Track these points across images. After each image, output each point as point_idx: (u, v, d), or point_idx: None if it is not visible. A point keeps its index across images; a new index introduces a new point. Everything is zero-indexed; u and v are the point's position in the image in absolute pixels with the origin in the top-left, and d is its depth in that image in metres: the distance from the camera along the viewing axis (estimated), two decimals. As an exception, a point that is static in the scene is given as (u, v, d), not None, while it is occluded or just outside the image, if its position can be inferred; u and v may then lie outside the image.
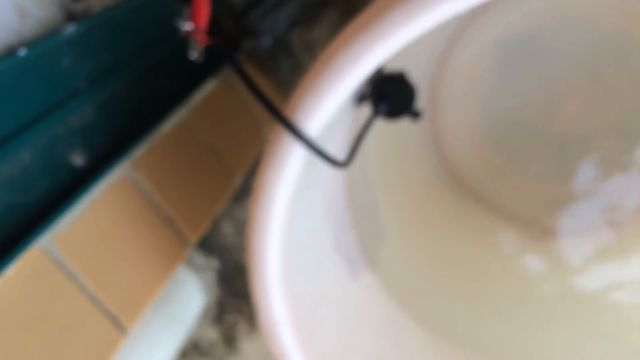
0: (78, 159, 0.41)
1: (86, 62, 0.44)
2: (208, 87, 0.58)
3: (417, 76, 0.47)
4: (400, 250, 0.56)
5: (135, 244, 0.44)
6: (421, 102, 0.49)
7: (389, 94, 0.45)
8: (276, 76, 0.73)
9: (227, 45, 0.67)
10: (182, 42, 0.35)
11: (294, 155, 0.33)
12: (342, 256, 0.49)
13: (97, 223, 0.41)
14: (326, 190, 0.45)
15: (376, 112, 0.45)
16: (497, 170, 0.64)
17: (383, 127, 0.47)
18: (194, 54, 0.34)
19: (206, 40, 0.34)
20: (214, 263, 0.67)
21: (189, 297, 0.58)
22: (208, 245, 0.63)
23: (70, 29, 0.43)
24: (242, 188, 0.64)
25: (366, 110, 0.46)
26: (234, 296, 0.72)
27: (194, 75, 0.56)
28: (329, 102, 0.31)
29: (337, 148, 0.43)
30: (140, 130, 0.48)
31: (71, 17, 0.46)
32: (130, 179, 0.45)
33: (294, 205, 0.37)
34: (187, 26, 0.33)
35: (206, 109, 0.56)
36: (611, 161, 0.61)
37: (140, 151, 0.47)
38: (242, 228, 0.72)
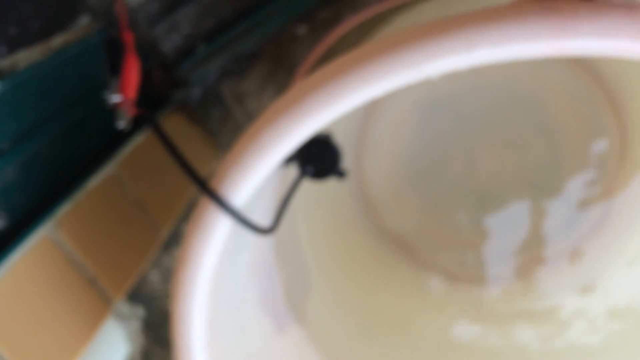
0: (-2, 222, 0.40)
1: (10, 122, 0.43)
2: (136, 140, 0.58)
3: (342, 136, 0.49)
4: (327, 304, 0.57)
5: (56, 307, 0.43)
6: (347, 157, 0.51)
7: (315, 156, 0.46)
8: (206, 126, 0.74)
9: (157, 98, 0.67)
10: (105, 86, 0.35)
11: (220, 226, 0.34)
12: (269, 313, 0.49)
13: (16, 288, 0.40)
14: (253, 250, 0.46)
15: (303, 174, 0.46)
16: (420, 223, 0.66)
17: (309, 183, 0.48)
18: (122, 124, 0.34)
19: (135, 111, 0.34)
20: (139, 312, 0.65)
21: (112, 347, 0.56)
22: (134, 293, 0.62)
23: (-6, 87, 0.43)
24: (170, 236, 0.63)
25: (293, 170, 0.47)
26: (160, 345, 0.71)
27: (122, 130, 0.56)
28: (254, 175, 0.32)
29: (264, 209, 0.44)
30: (65, 188, 0.47)
31: (-5, 73, 0.45)
32: (52, 239, 0.44)
33: (220, 270, 0.37)
34: (115, 98, 0.33)
35: (133, 163, 0.56)
36: (523, 213, 0.64)
37: (63, 209, 0.46)
38: (168, 276, 0.72)
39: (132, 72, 0.35)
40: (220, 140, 0.76)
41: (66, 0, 0.56)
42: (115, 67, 0.34)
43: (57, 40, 0.53)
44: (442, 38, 0.28)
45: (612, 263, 0.59)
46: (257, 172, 0.32)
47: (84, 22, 0.57)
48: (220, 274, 0.38)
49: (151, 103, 0.66)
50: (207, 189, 0.33)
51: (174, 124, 0.68)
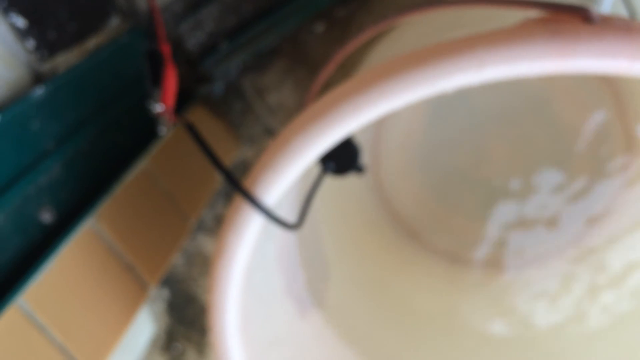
0: (47, 216, 0.44)
1: (54, 123, 0.47)
2: (165, 137, 0.61)
3: (360, 133, 0.52)
4: (345, 289, 0.60)
5: (99, 293, 0.47)
6: (364, 153, 0.54)
7: (337, 154, 0.50)
8: (228, 118, 0.77)
9: (183, 92, 0.70)
10: (142, 95, 0.38)
11: (253, 223, 0.37)
12: (293, 299, 0.53)
13: (64, 277, 0.44)
14: (278, 240, 0.49)
15: (325, 170, 0.50)
16: (432, 211, 0.69)
17: (329, 178, 0.51)
18: (164, 130, 0.38)
19: (174, 118, 0.38)
20: (164, 293, 0.69)
21: (139, 327, 0.60)
22: (159, 277, 0.66)
23: (39, 91, 0.46)
24: (195, 223, 0.67)
25: (315, 166, 0.50)
26: (183, 325, 0.74)
27: (153, 126, 0.59)
28: (285, 178, 0.36)
29: (289, 204, 0.47)
30: (104, 183, 0.51)
31: (38, 77, 0.49)
32: (94, 231, 0.48)
33: (251, 263, 0.41)
34: (158, 108, 0.37)
35: (163, 157, 0.60)
36: (531, 203, 0.67)
37: (103, 203, 0.50)
38: (191, 260, 0.75)
39: (171, 82, 0.38)
40: (242, 132, 0.79)
41: (97, 3, 0.59)
42: (156, 78, 0.38)
43: (92, 42, 0.56)
44: (456, 57, 0.31)
45: (620, 249, 0.62)
46: (288, 175, 0.36)
47: (114, 23, 0.60)
48: (252, 265, 0.41)
49: (178, 97, 0.70)
50: (242, 189, 0.36)
51: (198, 117, 0.71)
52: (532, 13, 0.34)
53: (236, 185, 0.36)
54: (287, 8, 0.68)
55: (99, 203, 0.49)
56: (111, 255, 0.49)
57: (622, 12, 0.63)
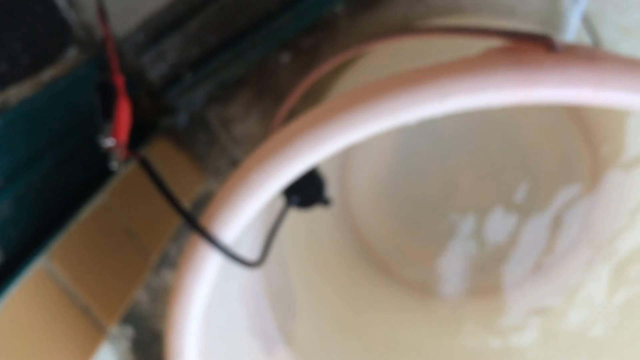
0: (-7, 257, 0.42)
1: (4, 158, 0.44)
2: (125, 170, 0.59)
3: (325, 163, 0.51)
4: (314, 324, 0.59)
5: (51, 337, 0.44)
6: (330, 183, 0.52)
7: (301, 186, 0.48)
8: (193, 150, 0.76)
9: (144, 125, 0.69)
10: (97, 128, 0.37)
11: (211, 262, 0.35)
12: (258, 337, 0.51)
13: (13, 320, 0.41)
14: (242, 278, 0.47)
15: (289, 204, 0.48)
16: (402, 243, 0.68)
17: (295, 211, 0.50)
18: (115, 165, 0.36)
19: (127, 153, 0.36)
20: (128, 331, 0.66)
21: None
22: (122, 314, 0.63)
23: (-12, 125, 0.44)
24: (158, 258, 0.65)
25: (279, 199, 0.49)
26: (149, 363, 0.72)
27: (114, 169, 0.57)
28: (243, 214, 0.34)
29: (252, 240, 0.46)
30: (58, 220, 0.49)
31: (-13, 110, 0.47)
32: (46, 271, 0.45)
33: (211, 302, 0.39)
34: (108, 142, 0.35)
35: (122, 191, 0.58)
36: (500, 231, 0.67)
37: (56, 241, 0.47)
38: (156, 296, 0.73)
39: (124, 116, 0.36)
40: (207, 164, 0.77)
41: (55, 34, 0.58)
42: (107, 112, 0.36)
43: (47, 74, 0.54)
44: (418, 88, 0.30)
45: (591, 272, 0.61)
46: (247, 211, 0.34)
47: (71, 54, 0.59)
48: (211, 305, 0.39)
49: (139, 130, 0.68)
50: (198, 227, 0.35)
51: (161, 150, 0.69)
52: (495, 42, 0.33)
53: (192, 223, 0.34)
54: (252, 38, 0.67)
55: (52, 241, 0.46)
56: (65, 297, 0.47)
57: (586, 40, 0.64)
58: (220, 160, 0.77)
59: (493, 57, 0.30)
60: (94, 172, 0.56)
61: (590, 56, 0.30)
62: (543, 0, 0.64)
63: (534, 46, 0.31)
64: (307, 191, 0.48)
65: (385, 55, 0.55)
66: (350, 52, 0.41)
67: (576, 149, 0.61)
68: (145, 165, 0.35)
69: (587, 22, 0.64)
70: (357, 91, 0.31)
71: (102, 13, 0.40)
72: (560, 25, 0.64)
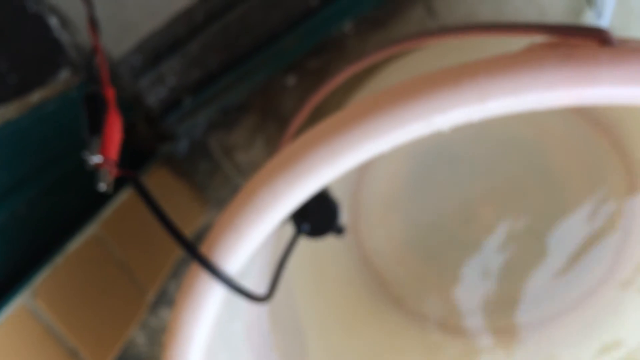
0: (-31, 293, 0.37)
1: (-17, 184, 0.40)
2: (119, 198, 0.55)
3: (337, 188, 0.47)
4: (325, 367, 0.53)
5: (32, 385, 0.39)
6: (343, 214, 0.48)
7: (312, 212, 0.44)
8: (194, 179, 0.71)
9: (142, 152, 0.64)
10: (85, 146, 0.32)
11: (212, 295, 0.31)
12: (265, 381, 0.46)
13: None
14: (246, 316, 0.42)
15: (299, 232, 0.44)
16: (418, 275, 0.63)
17: (304, 240, 0.45)
18: (104, 186, 0.31)
19: (117, 172, 0.31)
20: (124, 376, 0.62)
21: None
22: (119, 356, 0.59)
23: (-34, 147, 0.40)
24: (156, 295, 0.60)
25: (288, 227, 0.44)
26: (147, 410, 0.67)
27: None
28: (249, 241, 0.30)
29: (258, 271, 0.41)
30: (43, 253, 0.44)
31: (-32, 132, 0.43)
32: (29, 309, 0.41)
33: (212, 341, 0.34)
34: (96, 159, 0.30)
35: (117, 222, 0.53)
36: (525, 263, 0.62)
37: (41, 276, 0.43)
38: (154, 337, 0.68)
39: (114, 131, 0.32)
40: (209, 195, 0.73)
41: (47, 55, 0.54)
42: (95, 126, 0.32)
43: (36, 96, 0.51)
44: (454, 88, 0.26)
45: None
46: (253, 238, 0.30)
47: (64, 76, 0.55)
48: (213, 345, 0.35)
49: (136, 158, 0.64)
50: (198, 255, 0.30)
51: (160, 179, 0.65)
52: (537, 39, 0.29)
53: (191, 251, 0.30)
54: (255, 60, 0.63)
55: (36, 276, 0.42)
56: (50, 338, 0.42)
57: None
58: (223, 190, 0.73)
59: (539, 52, 0.26)
60: (85, 201, 0.51)
61: (651, 50, 0.26)
62: (564, 16, 0.60)
63: (585, 40, 0.27)
64: (318, 218, 0.44)
65: (406, 68, 0.51)
66: (366, 61, 0.37)
67: (608, 166, 0.57)
68: (139, 186, 0.31)
69: (612, 38, 0.61)
70: (384, 93, 0.27)
71: (92, 20, 0.36)
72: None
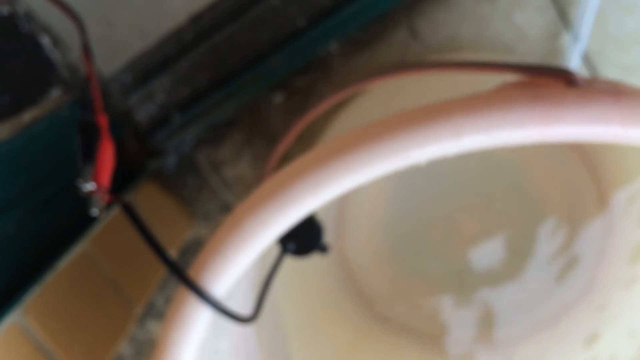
0: (-39, 313, 0.38)
1: (-25, 204, 0.41)
2: (108, 215, 0.56)
3: (323, 208, 0.48)
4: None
5: (22, 401, 0.40)
6: (328, 233, 0.49)
7: (297, 232, 0.45)
8: (182, 194, 0.72)
9: (131, 167, 0.65)
10: (77, 171, 0.34)
11: (200, 318, 0.32)
12: (250, 397, 0.47)
13: (-21, 384, 0.37)
14: (233, 334, 0.44)
15: (284, 251, 0.45)
16: (401, 291, 0.65)
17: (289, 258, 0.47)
18: (96, 212, 0.33)
19: (109, 198, 0.33)
20: (111, 387, 0.62)
21: None
22: (105, 369, 0.59)
23: (-40, 169, 0.41)
24: (143, 307, 0.61)
25: (273, 247, 0.46)
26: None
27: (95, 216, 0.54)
28: (236, 266, 0.31)
29: (244, 292, 0.42)
30: (34, 271, 0.45)
31: (-39, 153, 0.44)
32: (19, 327, 0.42)
33: (200, 361, 0.35)
34: (89, 187, 0.32)
35: (105, 239, 0.54)
36: (505, 277, 0.64)
37: (31, 293, 0.44)
38: (141, 349, 0.69)
39: (107, 158, 0.33)
40: (196, 208, 0.74)
41: (38, 74, 0.55)
42: (88, 153, 0.33)
43: (27, 115, 0.52)
44: (431, 125, 0.27)
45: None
46: (240, 262, 0.31)
47: (55, 95, 0.56)
48: (200, 365, 0.36)
49: (125, 173, 0.65)
50: (186, 279, 0.31)
51: (148, 193, 0.66)
52: (509, 78, 0.31)
53: (179, 274, 0.31)
54: (243, 78, 0.65)
55: (27, 294, 0.43)
56: (40, 355, 0.43)
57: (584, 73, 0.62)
58: (210, 204, 0.74)
59: (510, 92, 0.28)
60: (74, 219, 0.52)
61: (614, 91, 0.27)
62: (542, 39, 0.62)
63: (553, 80, 0.29)
64: (303, 237, 0.45)
65: (383, 95, 0.53)
66: (349, 90, 0.39)
67: (582, 187, 0.59)
68: (129, 211, 0.32)
69: (588, 61, 0.63)
70: (362, 129, 0.28)
71: (86, 49, 0.38)
72: (560, 64, 0.62)
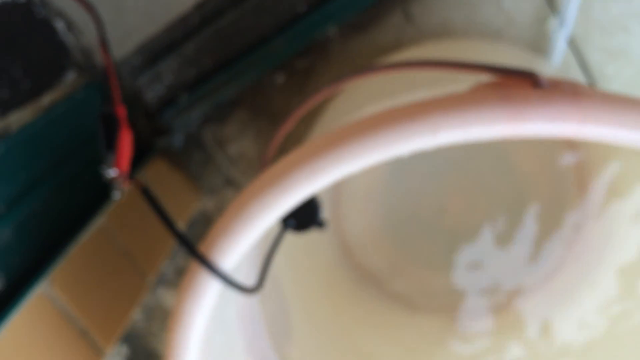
0: (-4, 283, 0.42)
1: (6, 185, 0.45)
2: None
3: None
4: (310, 343, 0.59)
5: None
6: (325, 210, 0.54)
7: (296, 210, 0.49)
8: (189, 170, 0.77)
9: (141, 145, 0.69)
10: (98, 151, 0.37)
11: (210, 289, 0.36)
12: (255, 357, 0.52)
13: (14, 345, 0.42)
14: (239, 301, 0.48)
15: (285, 228, 0.49)
16: (395, 262, 0.69)
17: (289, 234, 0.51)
18: (118, 194, 0.37)
19: (129, 183, 0.37)
20: (123, 350, 0.67)
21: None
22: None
23: (-10, 153, 0.45)
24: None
25: (274, 225, 0.50)
26: (145, 380, 0.72)
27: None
28: (242, 242, 0.35)
29: (249, 265, 0.47)
30: (58, 244, 0.50)
31: (-11, 137, 0.47)
32: (46, 296, 0.46)
33: (209, 327, 0.40)
34: (112, 172, 0.36)
35: (120, 214, 0.58)
36: (490, 251, 0.68)
37: (56, 265, 0.48)
38: (151, 314, 0.73)
39: (126, 146, 0.37)
40: (203, 183, 0.78)
41: (53, 58, 0.59)
42: (110, 142, 0.37)
43: (46, 99, 0.55)
44: (411, 123, 0.31)
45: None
46: (246, 240, 0.35)
47: (70, 78, 0.60)
48: (210, 329, 0.40)
49: (136, 151, 0.69)
50: (198, 255, 0.36)
51: (157, 170, 0.70)
52: (484, 77, 0.34)
53: (192, 251, 0.36)
54: (246, 60, 0.68)
55: (52, 266, 0.47)
56: (64, 321, 0.47)
57: (572, 63, 0.65)
58: (216, 179, 0.78)
59: (482, 93, 0.31)
60: (92, 196, 0.56)
61: (573, 92, 0.31)
62: (530, 24, 0.65)
63: (521, 82, 0.32)
64: (302, 214, 0.49)
65: (374, 85, 0.57)
66: (338, 85, 0.43)
67: (565, 169, 0.63)
68: (147, 195, 0.36)
69: (574, 45, 0.66)
70: (351, 126, 0.32)
71: (104, 44, 0.41)
72: (547, 48, 0.65)
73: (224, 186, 0.79)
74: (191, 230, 0.75)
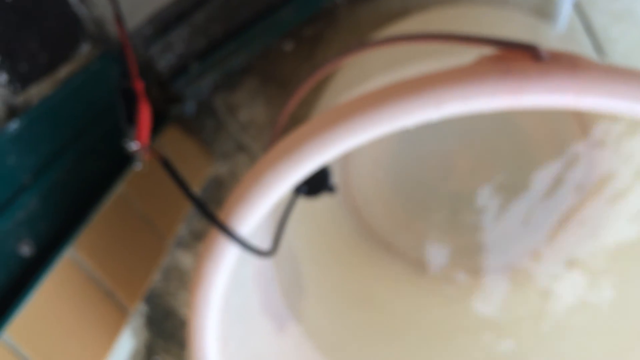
0: (26, 250, 0.45)
1: (30, 156, 0.48)
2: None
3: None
4: (322, 302, 0.62)
5: (80, 321, 0.48)
6: (335, 176, 0.56)
7: (308, 176, 0.51)
8: (201, 136, 0.79)
9: (154, 113, 0.71)
10: (116, 120, 0.39)
11: (229, 253, 0.39)
12: (270, 315, 0.55)
13: (45, 309, 0.45)
14: (255, 262, 0.51)
15: (297, 193, 0.52)
16: (403, 223, 0.72)
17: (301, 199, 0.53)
18: (140, 165, 0.39)
19: (150, 154, 0.39)
20: (142, 308, 0.70)
21: (119, 343, 0.61)
22: (138, 293, 0.67)
23: (14, 125, 0.47)
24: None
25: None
26: (162, 338, 0.75)
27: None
28: (259, 209, 0.37)
29: (264, 230, 0.49)
30: (82, 211, 0.52)
31: (12, 110, 0.50)
32: (73, 261, 0.49)
33: (228, 288, 0.42)
34: (133, 146, 0.38)
35: (138, 180, 0.61)
36: (497, 213, 0.70)
37: (81, 231, 0.51)
38: (169, 275, 0.77)
39: (145, 120, 0.39)
40: (215, 148, 0.80)
41: (67, 30, 0.60)
42: (130, 116, 0.39)
43: (63, 71, 0.57)
44: (416, 96, 0.33)
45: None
46: (262, 207, 0.38)
47: (85, 50, 0.61)
48: (229, 290, 0.43)
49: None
50: (218, 222, 0.38)
51: (171, 137, 0.72)
52: (486, 49, 0.36)
53: (212, 219, 0.38)
54: (255, 28, 0.70)
55: (77, 232, 0.50)
56: (91, 284, 0.50)
57: (578, 26, 0.66)
58: (227, 144, 0.80)
59: (484, 66, 0.33)
60: (113, 163, 0.59)
61: (572, 65, 0.33)
62: (535, -12, 0.66)
63: (522, 55, 0.34)
64: (314, 181, 0.52)
65: (381, 55, 0.58)
66: (344, 58, 0.44)
67: (569, 130, 0.65)
68: (168, 166, 0.39)
69: (579, 8, 0.67)
70: (359, 99, 0.34)
71: (120, 20, 0.43)
72: (552, 12, 0.66)
73: (236, 151, 0.81)
74: (205, 194, 0.78)
